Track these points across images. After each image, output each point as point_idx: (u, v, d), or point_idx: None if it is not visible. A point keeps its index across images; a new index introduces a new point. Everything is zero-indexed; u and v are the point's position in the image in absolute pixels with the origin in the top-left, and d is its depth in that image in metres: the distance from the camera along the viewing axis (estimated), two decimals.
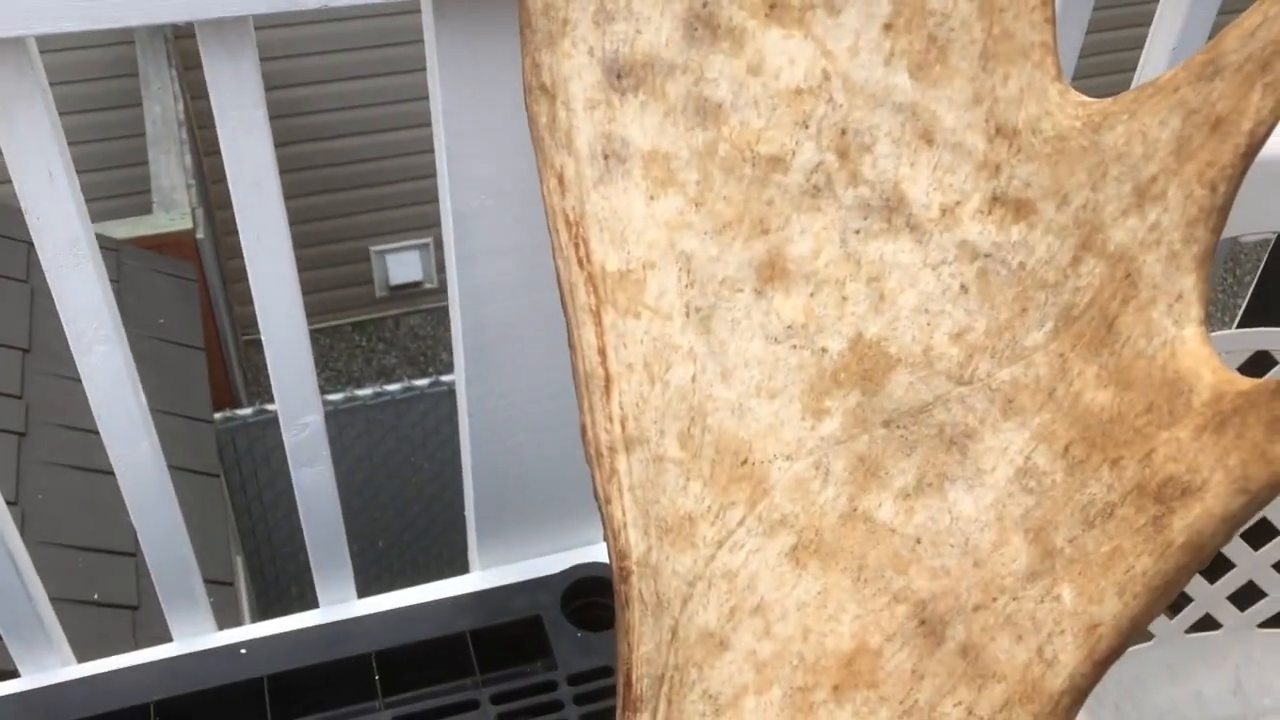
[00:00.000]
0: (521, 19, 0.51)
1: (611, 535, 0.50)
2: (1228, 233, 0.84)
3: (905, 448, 0.47)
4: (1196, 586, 0.91)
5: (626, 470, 0.50)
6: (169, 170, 2.89)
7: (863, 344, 0.48)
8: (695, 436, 0.50)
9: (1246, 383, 0.37)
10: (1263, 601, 0.92)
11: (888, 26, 0.46)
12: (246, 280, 0.84)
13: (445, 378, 2.84)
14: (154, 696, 0.74)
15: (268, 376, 0.91)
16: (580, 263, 0.51)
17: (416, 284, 4.57)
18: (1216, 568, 0.90)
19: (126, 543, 1.82)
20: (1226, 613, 0.92)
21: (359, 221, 4.41)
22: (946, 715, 0.45)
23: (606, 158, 0.50)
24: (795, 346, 0.49)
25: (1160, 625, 0.92)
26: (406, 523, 3.19)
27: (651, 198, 0.50)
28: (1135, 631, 0.41)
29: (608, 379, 0.51)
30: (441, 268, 4.63)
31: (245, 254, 0.82)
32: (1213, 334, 0.90)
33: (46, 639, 0.95)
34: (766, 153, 0.49)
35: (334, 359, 4.38)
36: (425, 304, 4.67)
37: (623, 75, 0.50)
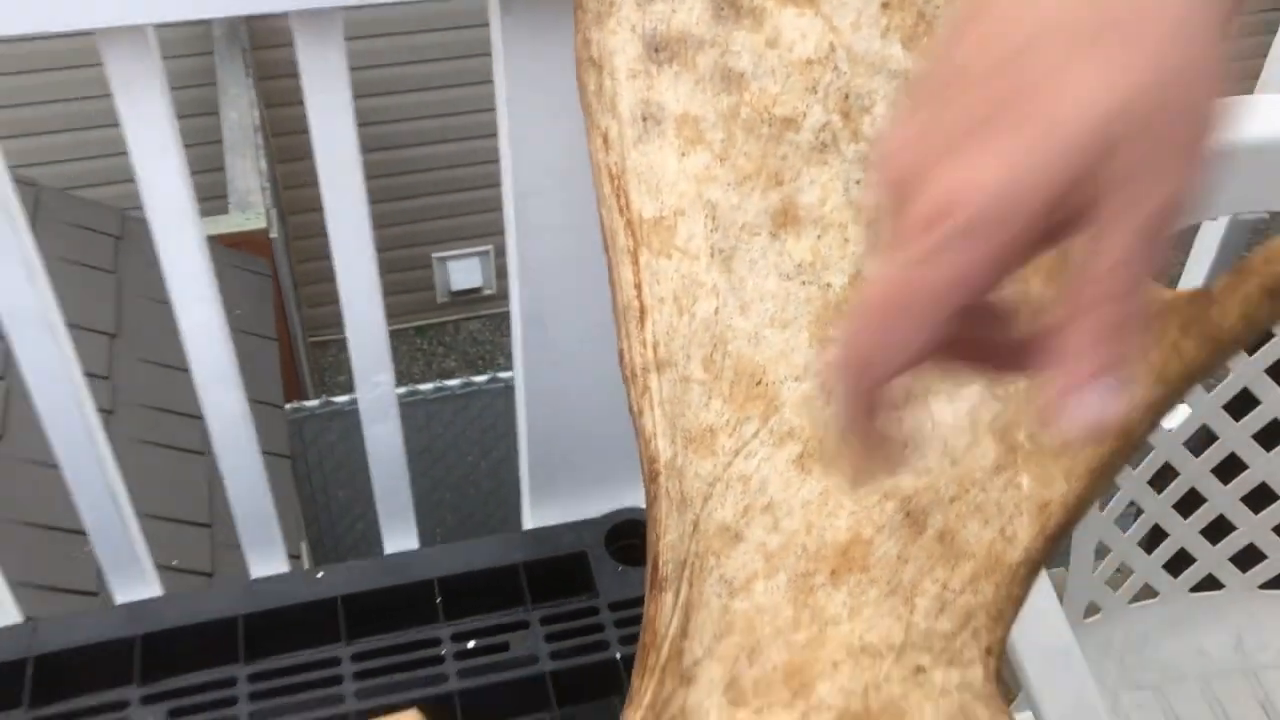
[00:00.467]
0: (575, 0, 0.59)
1: (643, 443, 0.58)
2: (1226, 211, 0.90)
3: None
4: (1200, 548, 0.97)
5: (657, 388, 0.58)
6: (245, 173, 3.04)
7: (861, 279, 0.56)
8: (717, 361, 0.58)
9: (1169, 293, 0.45)
10: (1263, 564, 0.97)
11: (885, 5, 0.54)
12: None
13: (503, 374, 2.94)
14: (241, 610, 0.83)
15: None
16: (620, 211, 0.59)
17: (476, 290, 4.70)
18: (1219, 530, 0.96)
19: (202, 514, 1.94)
20: (1229, 574, 0.98)
21: (422, 229, 4.55)
22: (925, 591, 0.52)
23: (645, 120, 0.59)
24: (804, 282, 0.57)
25: (1165, 584, 0.98)
26: (461, 518, 3.29)
27: (683, 154, 0.58)
28: (1079, 509, 0.48)
29: (642, 310, 0.59)
30: (501, 274, 4.75)
31: (328, 222, 0.91)
32: None
33: (141, 573, 1.05)
34: (781, 114, 0.57)
35: (396, 361, 4.49)
36: (484, 310, 4.79)
37: (660, 49, 0.58)
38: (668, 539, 0.58)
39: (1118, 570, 0.95)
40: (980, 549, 0.51)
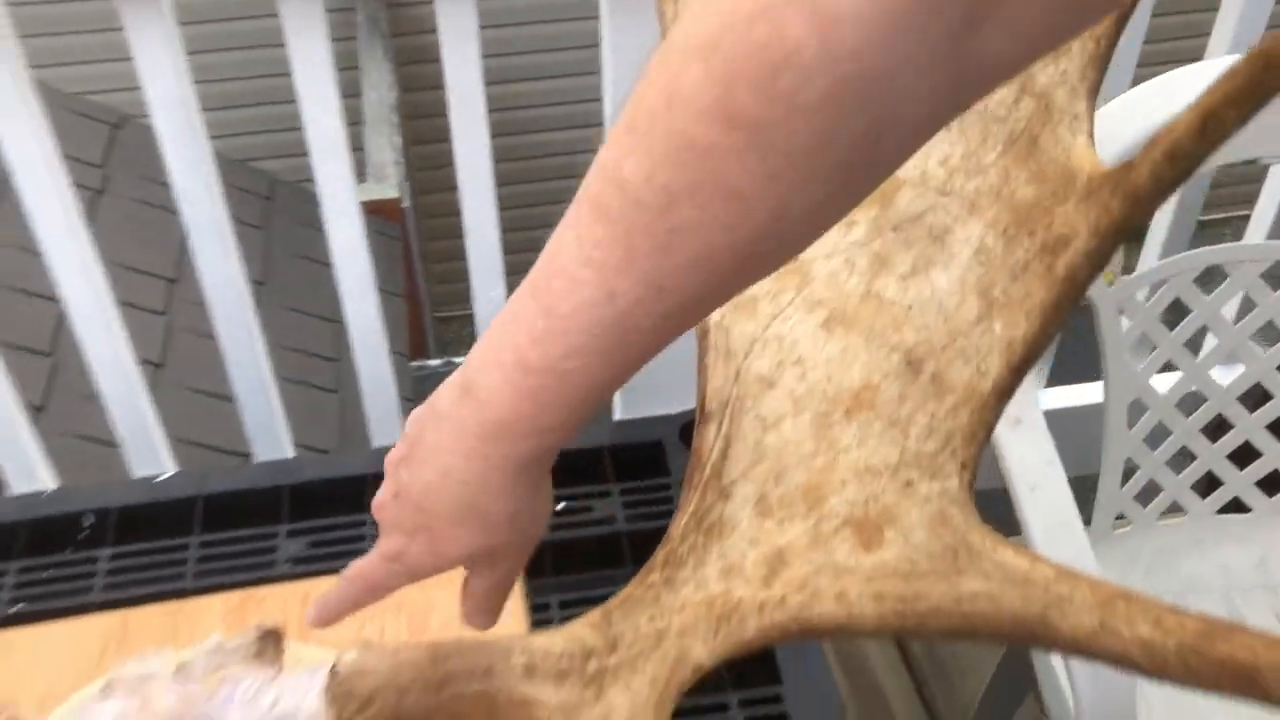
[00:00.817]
0: None
1: None
2: (1248, 155, 0.98)
3: (906, 244, 0.67)
4: (1227, 472, 1.05)
5: None
6: (381, 148, 3.25)
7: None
8: None
9: (1105, 167, 0.56)
10: None
11: None
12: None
13: None
14: (369, 470, 0.99)
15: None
16: None
17: None
18: (1246, 456, 1.04)
19: (333, 445, 2.14)
20: (1255, 498, 1.06)
21: (554, 210, 4.74)
22: (918, 422, 0.64)
23: None
24: None
25: (1193, 504, 1.06)
26: None
27: None
28: (1039, 344, 0.59)
29: None
30: None
31: (455, 151, 1.07)
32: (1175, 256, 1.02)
33: (280, 449, 1.23)
34: None
35: None
36: None
37: None
38: (714, 384, 0.71)
39: (1147, 485, 1.04)
40: (961, 384, 0.63)
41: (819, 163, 0.42)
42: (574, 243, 0.49)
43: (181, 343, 2.07)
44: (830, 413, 0.68)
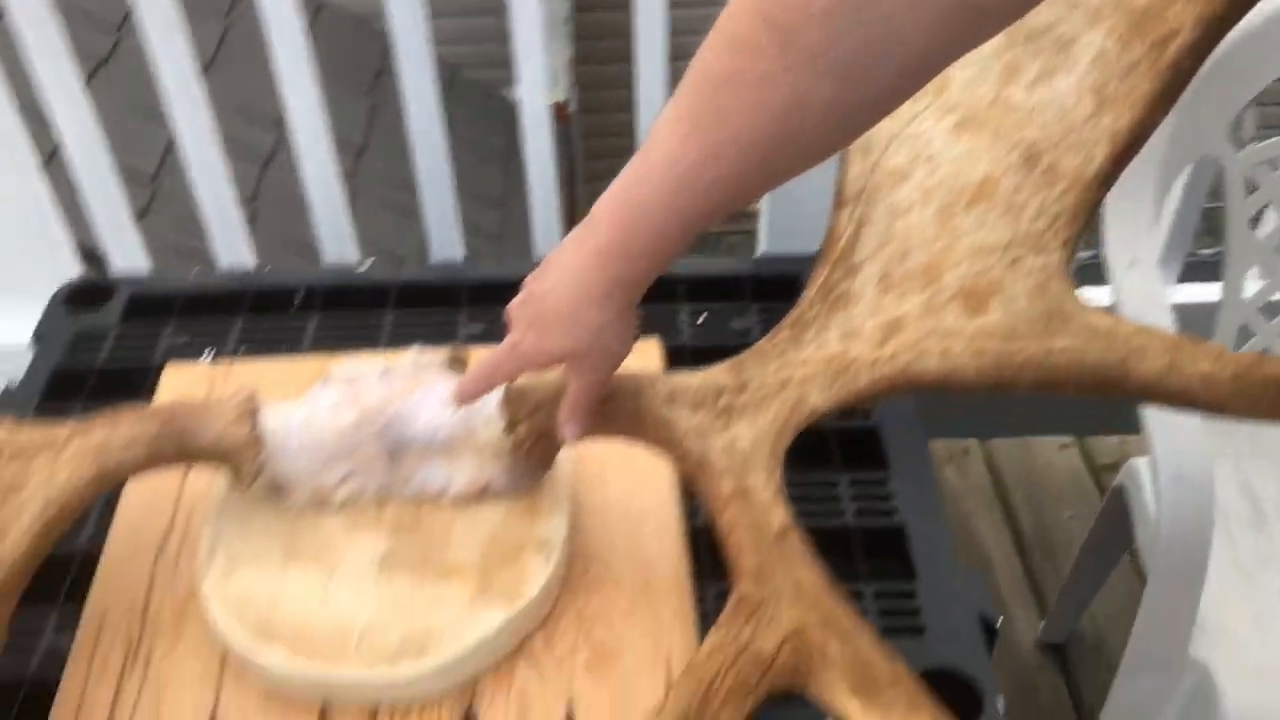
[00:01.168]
0: None
1: None
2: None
3: (1034, 54, 0.75)
4: None
5: None
6: (554, 55, 3.40)
7: None
8: None
9: None
10: None
11: None
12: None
13: None
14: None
15: None
16: None
17: None
18: None
19: None
20: None
21: None
22: (1030, 207, 0.73)
23: None
24: None
25: None
26: None
27: None
28: (1141, 134, 0.67)
29: None
30: None
31: (635, 56, 1.19)
32: None
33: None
34: None
35: None
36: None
37: None
38: (852, 172, 0.81)
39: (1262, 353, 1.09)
40: (1070, 172, 0.71)
41: (824, 64, 0.54)
42: (670, 109, 0.60)
43: (363, 208, 2.26)
44: (954, 203, 0.77)
